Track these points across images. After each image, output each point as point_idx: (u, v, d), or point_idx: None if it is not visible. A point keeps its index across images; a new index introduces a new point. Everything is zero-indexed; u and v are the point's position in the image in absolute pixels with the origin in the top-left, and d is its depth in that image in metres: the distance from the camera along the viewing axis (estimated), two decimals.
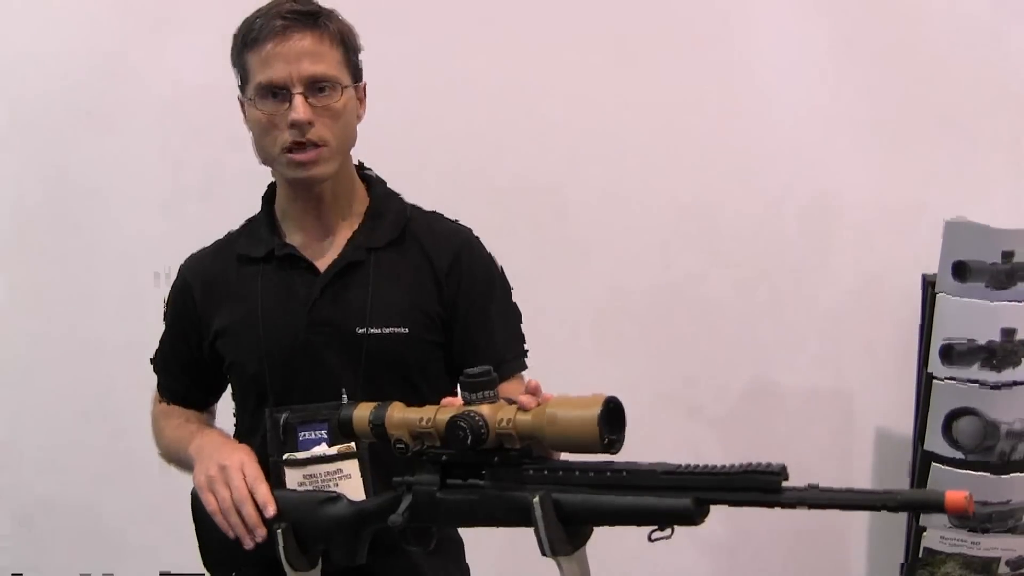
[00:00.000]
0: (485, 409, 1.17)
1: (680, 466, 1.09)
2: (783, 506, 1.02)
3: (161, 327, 1.70)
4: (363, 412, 1.26)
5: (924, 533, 2.37)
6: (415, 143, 2.54)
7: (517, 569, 1.14)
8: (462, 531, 1.66)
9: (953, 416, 2.30)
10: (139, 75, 2.65)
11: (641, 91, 2.67)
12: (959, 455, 2.30)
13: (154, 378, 1.73)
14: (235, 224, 1.67)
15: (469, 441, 1.15)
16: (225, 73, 1.56)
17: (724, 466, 1.06)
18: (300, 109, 1.45)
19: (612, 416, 1.11)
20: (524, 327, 1.64)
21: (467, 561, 1.69)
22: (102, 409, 2.69)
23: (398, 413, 1.24)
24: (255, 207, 1.65)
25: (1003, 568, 2.33)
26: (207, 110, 2.55)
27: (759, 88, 2.69)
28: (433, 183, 1.66)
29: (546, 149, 2.67)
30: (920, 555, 2.39)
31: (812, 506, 1.01)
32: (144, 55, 2.65)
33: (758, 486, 1.02)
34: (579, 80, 2.66)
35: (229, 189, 1.66)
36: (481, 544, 1.64)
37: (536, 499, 1.12)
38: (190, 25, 2.61)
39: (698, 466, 1.08)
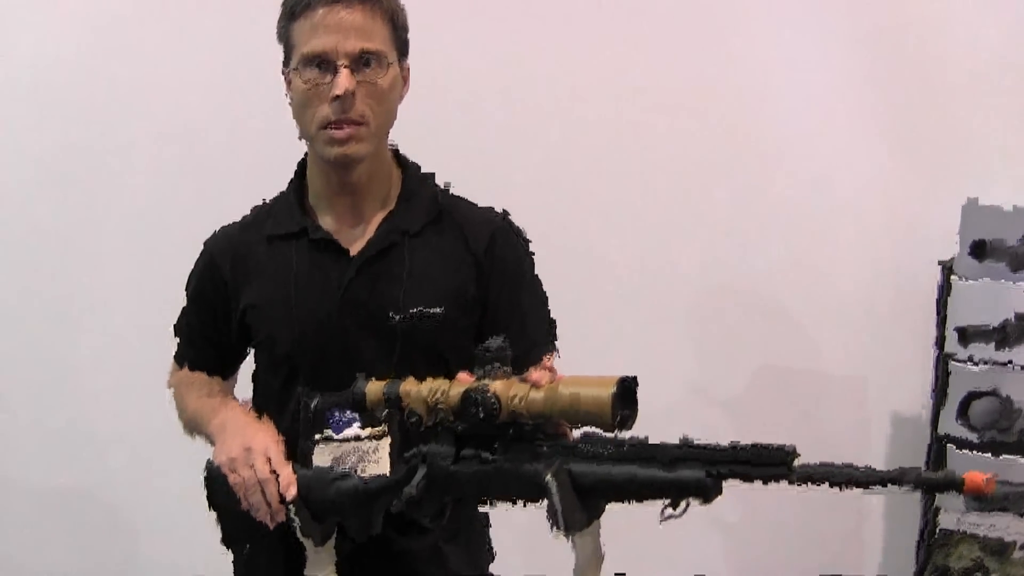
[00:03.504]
0: (498, 385, 1.17)
1: (693, 441, 1.09)
2: (796, 481, 1.02)
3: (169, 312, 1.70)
4: (377, 386, 1.26)
5: (940, 515, 2.37)
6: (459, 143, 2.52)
7: (542, 553, 1.15)
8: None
9: (970, 398, 2.29)
10: (144, 79, 2.63)
11: (655, 84, 2.66)
12: (975, 438, 2.29)
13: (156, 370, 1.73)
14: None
15: (481, 416, 1.15)
16: (237, 79, 1.53)
17: (738, 443, 1.06)
18: (344, 82, 1.42)
19: (625, 395, 1.12)
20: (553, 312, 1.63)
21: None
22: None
23: (412, 387, 1.24)
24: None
25: (1018, 551, 2.32)
26: (209, 117, 2.57)
27: (775, 74, 2.66)
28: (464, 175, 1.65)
29: (580, 148, 2.67)
30: (935, 536, 2.38)
31: (824, 482, 1.01)
32: (151, 57, 2.63)
33: (771, 461, 1.02)
34: (592, 79, 2.66)
35: (239, 194, 1.66)
36: (505, 528, 1.64)
37: (551, 472, 1.12)
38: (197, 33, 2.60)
39: (711, 443, 1.08)
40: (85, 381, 2.70)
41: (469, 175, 1.65)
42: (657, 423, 1.18)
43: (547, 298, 1.63)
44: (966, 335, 2.30)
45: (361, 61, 1.45)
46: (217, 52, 2.54)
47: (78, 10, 2.64)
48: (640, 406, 1.14)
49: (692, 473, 1.06)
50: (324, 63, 1.45)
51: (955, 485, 0.95)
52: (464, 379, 1.21)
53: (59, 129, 2.65)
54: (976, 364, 2.30)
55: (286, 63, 1.51)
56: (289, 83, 1.51)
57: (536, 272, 1.63)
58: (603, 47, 2.65)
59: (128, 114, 2.64)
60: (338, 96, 1.43)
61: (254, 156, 1.58)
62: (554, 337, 1.62)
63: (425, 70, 1.98)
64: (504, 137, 2.63)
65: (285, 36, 1.50)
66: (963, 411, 2.30)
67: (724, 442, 1.09)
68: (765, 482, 1.04)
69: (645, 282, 2.70)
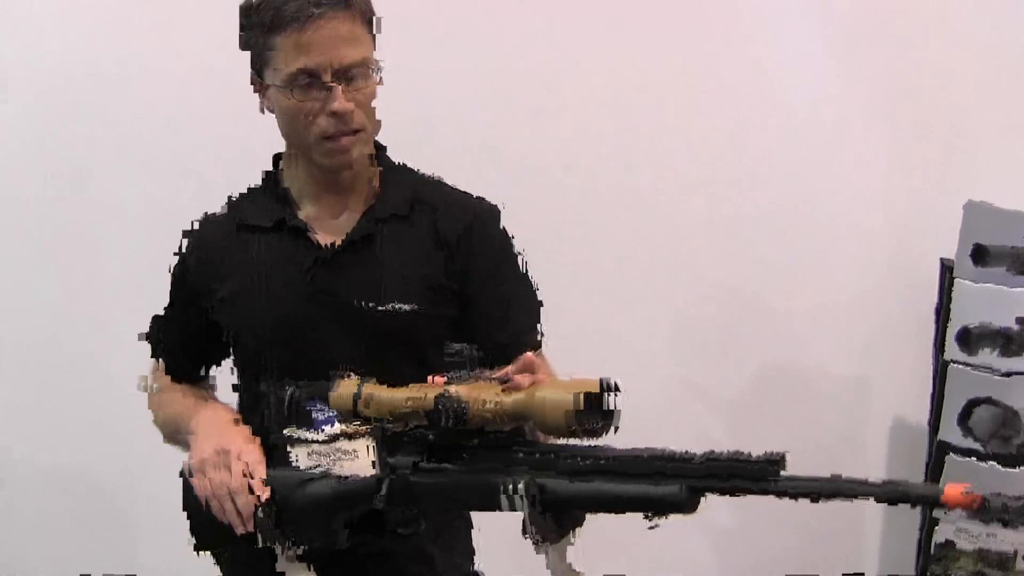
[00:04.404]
0: (466, 390, 1.14)
1: (672, 452, 1.05)
2: (775, 495, 0.99)
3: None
4: (346, 390, 1.23)
5: (937, 526, 2.33)
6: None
7: (527, 552, 1.13)
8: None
9: (971, 405, 2.25)
10: (142, 78, 2.59)
11: (651, 79, 2.62)
12: (975, 446, 2.25)
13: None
14: None
15: (449, 423, 1.12)
16: (230, 76, 1.51)
17: (718, 453, 1.02)
18: (343, 100, 1.41)
19: (597, 400, 1.07)
20: (545, 309, 1.59)
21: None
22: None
23: (381, 392, 1.21)
24: None
25: (1020, 563, 2.28)
26: (211, 115, 2.53)
27: (773, 70, 2.63)
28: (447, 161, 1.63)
29: (574, 144, 2.63)
30: (934, 549, 2.34)
31: (805, 496, 0.97)
32: (148, 51, 2.59)
33: (750, 474, 0.99)
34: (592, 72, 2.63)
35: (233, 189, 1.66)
36: (494, 528, 1.61)
37: (521, 484, 1.08)
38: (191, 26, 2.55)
39: (691, 453, 1.04)
40: (87, 377, 2.66)
41: (460, 169, 1.62)
42: (652, 424, 1.14)
43: (534, 287, 1.59)
44: (969, 340, 2.26)
45: (350, 72, 1.43)
46: (218, 48, 2.51)
47: (75, 7, 2.62)
48: (633, 408, 1.10)
49: (670, 489, 1.02)
50: (313, 79, 1.42)
51: (933, 500, 0.92)
52: (438, 381, 1.17)
53: (58, 127, 2.63)
54: (978, 370, 2.25)
55: (258, 71, 1.48)
56: (270, 97, 1.48)
57: (524, 260, 1.59)
58: (597, 42, 2.62)
59: (128, 111, 2.61)
60: (338, 113, 1.42)
61: (258, 152, 1.58)
62: (540, 325, 1.57)
63: (421, 63, 1.95)
64: (495, 132, 2.60)
65: (260, 48, 1.46)
66: (964, 418, 2.25)
67: (720, 444, 1.06)
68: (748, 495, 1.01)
69: (639, 281, 2.67)
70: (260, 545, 1.33)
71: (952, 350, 2.28)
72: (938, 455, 2.31)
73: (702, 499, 1.04)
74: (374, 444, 1.40)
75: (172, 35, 2.57)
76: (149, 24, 2.58)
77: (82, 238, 2.65)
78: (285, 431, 1.42)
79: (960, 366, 2.27)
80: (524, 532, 1.09)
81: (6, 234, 2.66)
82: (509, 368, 1.17)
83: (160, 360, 1.67)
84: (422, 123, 2.41)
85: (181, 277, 1.60)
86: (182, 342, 1.63)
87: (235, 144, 2.46)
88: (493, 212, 1.58)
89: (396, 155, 1.61)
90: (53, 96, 2.61)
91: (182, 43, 2.56)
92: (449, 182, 1.61)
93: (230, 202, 1.61)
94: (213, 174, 2.37)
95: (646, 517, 1.05)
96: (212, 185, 1.65)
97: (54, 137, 2.63)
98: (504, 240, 1.58)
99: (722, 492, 1.01)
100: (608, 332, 2.63)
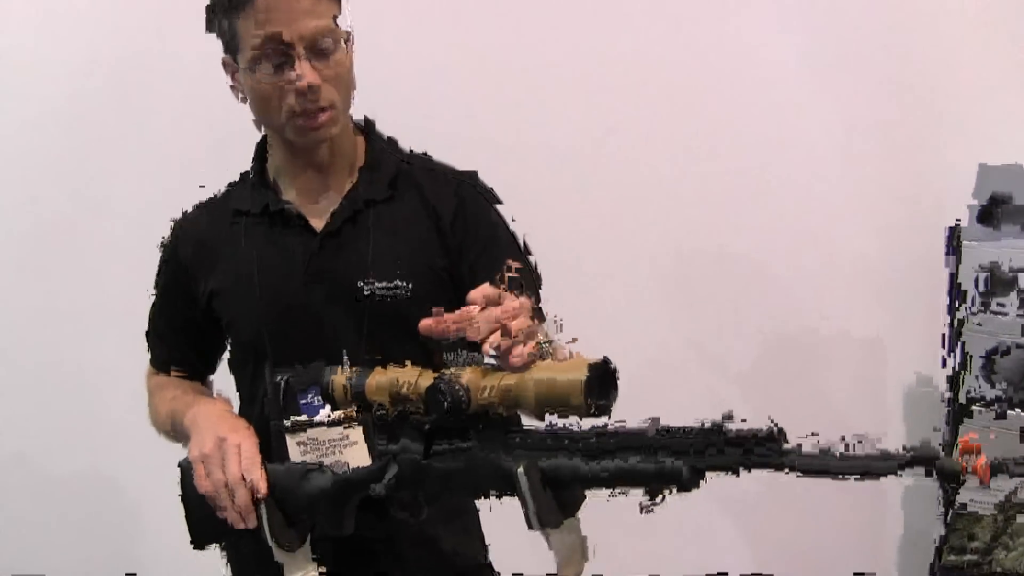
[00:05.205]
0: (467, 374, 1.10)
1: (672, 428, 1.02)
2: (783, 470, 0.95)
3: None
4: (342, 378, 1.20)
5: (957, 493, 2.30)
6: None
7: (535, 535, 1.13)
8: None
9: (991, 354, 2.24)
10: (139, 91, 2.60)
11: (646, 50, 2.64)
12: (990, 407, 2.23)
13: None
14: None
15: (449, 408, 1.08)
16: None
17: (720, 424, 0.99)
18: (309, 76, 1.38)
19: (601, 380, 1.04)
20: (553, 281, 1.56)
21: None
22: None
23: (378, 378, 1.18)
24: None
25: None
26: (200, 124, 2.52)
27: (775, 33, 2.63)
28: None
29: (586, 126, 2.64)
30: (954, 511, 2.32)
31: (812, 473, 0.95)
32: (151, 61, 2.60)
33: (752, 450, 0.96)
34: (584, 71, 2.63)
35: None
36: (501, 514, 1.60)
37: (520, 468, 1.06)
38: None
39: (691, 428, 1.01)
40: (89, 375, 2.68)
41: (447, 147, 1.60)
42: (666, 389, 1.11)
43: (525, 255, 1.56)
44: (983, 294, 2.24)
45: (316, 46, 1.40)
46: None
47: (77, 11, 2.61)
48: (644, 378, 1.08)
49: (671, 466, 0.99)
50: (278, 55, 1.39)
51: (950, 474, 0.88)
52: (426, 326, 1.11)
53: (63, 127, 2.64)
54: (994, 323, 2.25)
55: (230, 53, 1.46)
56: (239, 79, 1.46)
57: (510, 228, 1.56)
58: (586, 22, 2.62)
59: (134, 111, 2.62)
60: (303, 89, 1.39)
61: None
62: (538, 297, 1.52)
63: (406, 52, 1.91)
64: (485, 112, 2.59)
65: (223, 29, 1.44)
66: (987, 369, 2.23)
67: (733, 408, 1.02)
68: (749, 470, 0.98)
69: (648, 251, 2.67)
70: (261, 538, 1.31)
71: (967, 306, 2.27)
72: (956, 417, 2.29)
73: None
74: (371, 430, 1.39)
75: (169, 36, 2.55)
76: (145, 25, 2.58)
77: (80, 240, 2.66)
78: (281, 420, 1.41)
79: (976, 320, 2.27)
80: (528, 521, 1.06)
81: (5, 237, 2.66)
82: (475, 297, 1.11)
83: (157, 358, 1.66)
84: (413, 109, 2.40)
85: (173, 271, 1.59)
86: (181, 335, 1.62)
87: (234, 145, 2.48)
88: (479, 182, 1.56)
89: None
90: (50, 100, 2.61)
91: (179, 43, 2.55)
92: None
93: (220, 191, 1.60)
94: (213, 177, 2.38)
95: (646, 494, 1.03)
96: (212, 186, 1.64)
97: (51, 141, 2.63)
98: (492, 211, 1.55)
99: (724, 468, 0.98)
100: (617, 304, 2.63)
